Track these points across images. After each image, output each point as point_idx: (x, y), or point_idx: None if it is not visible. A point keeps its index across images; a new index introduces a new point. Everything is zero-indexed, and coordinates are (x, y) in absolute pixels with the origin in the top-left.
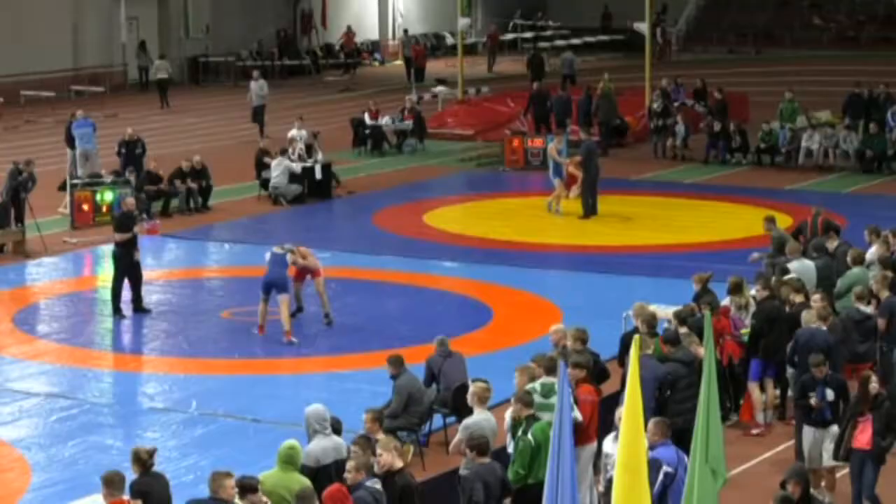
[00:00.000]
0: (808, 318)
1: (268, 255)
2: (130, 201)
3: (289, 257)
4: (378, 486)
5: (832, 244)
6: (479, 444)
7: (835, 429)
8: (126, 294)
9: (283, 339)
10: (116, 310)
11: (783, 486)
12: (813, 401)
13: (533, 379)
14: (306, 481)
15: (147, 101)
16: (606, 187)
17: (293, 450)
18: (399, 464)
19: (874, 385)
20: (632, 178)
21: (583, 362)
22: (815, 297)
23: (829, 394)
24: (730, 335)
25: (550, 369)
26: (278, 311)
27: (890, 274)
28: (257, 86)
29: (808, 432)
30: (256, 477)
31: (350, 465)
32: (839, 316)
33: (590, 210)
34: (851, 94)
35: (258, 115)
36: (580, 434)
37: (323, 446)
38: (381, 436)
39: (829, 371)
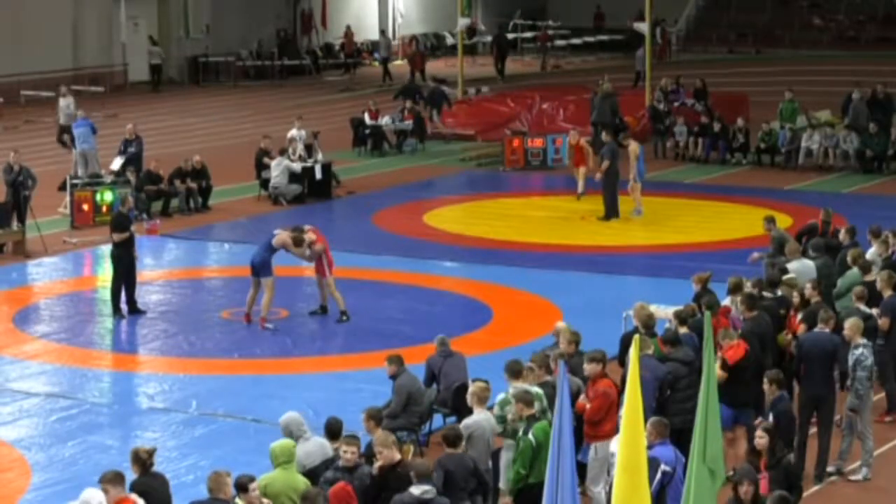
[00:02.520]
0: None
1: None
2: (127, 200)
3: (275, 240)
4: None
5: (845, 241)
6: (446, 435)
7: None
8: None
9: (259, 324)
10: (116, 310)
11: (735, 487)
12: (759, 420)
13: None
14: (307, 481)
15: (148, 100)
16: None
17: (294, 447)
18: (398, 456)
19: (760, 440)
20: None
21: (598, 356)
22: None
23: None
24: None
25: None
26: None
27: (879, 273)
28: (65, 103)
29: None
30: (250, 474)
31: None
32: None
33: (612, 212)
34: (851, 93)
35: (66, 134)
36: (595, 432)
37: (307, 450)
38: (378, 433)
39: (782, 394)
